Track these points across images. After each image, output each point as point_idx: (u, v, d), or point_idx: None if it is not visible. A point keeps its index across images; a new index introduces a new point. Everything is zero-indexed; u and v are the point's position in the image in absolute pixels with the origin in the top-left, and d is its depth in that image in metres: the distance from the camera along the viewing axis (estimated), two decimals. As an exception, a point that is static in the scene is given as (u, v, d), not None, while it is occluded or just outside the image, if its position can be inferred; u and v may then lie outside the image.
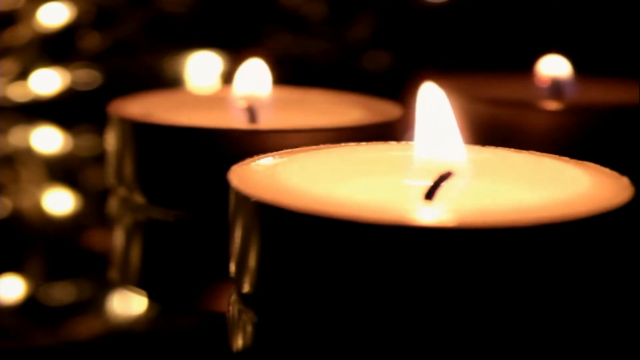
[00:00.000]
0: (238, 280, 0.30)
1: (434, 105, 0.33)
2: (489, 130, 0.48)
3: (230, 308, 0.31)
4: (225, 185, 0.30)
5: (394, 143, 0.35)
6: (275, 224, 0.28)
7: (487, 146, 0.34)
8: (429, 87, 0.34)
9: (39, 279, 0.38)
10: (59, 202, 0.49)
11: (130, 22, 0.73)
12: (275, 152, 0.33)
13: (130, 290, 0.37)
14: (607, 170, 0.32)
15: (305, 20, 0.77)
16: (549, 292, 0.27)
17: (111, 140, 0.43)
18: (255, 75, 0.46)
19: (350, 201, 0.28)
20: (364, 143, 0.35)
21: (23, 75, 0.70)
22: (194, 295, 0.36)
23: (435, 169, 0.32)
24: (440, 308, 0.26)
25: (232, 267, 0.30)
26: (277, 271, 0.28)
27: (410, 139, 0.34)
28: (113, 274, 0.39)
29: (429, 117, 0.33)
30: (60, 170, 0.56)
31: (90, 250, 0.42)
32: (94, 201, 0.49)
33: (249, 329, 0.30)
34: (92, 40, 0.72)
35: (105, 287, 0.37)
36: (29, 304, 0.35)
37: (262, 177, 0.30)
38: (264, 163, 0.32)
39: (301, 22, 0.77)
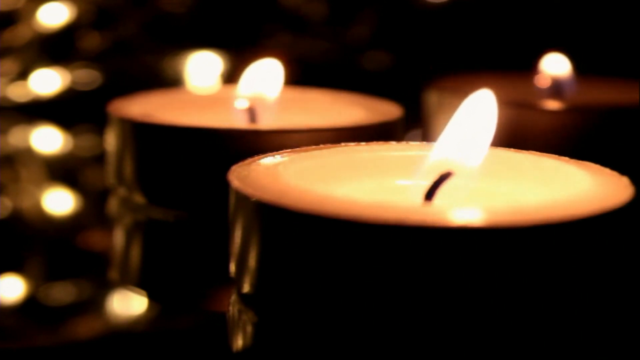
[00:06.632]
0: (238, 280, 0.30)
1: (479, 110, 0.33)
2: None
3: (230, 308, 0.31)
4: (225, 185, 0.30)
5: (394, 143, 0.35)
6: (275, 224, 0.28)
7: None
8: (481, 94, 0.33)
9: (39, 279, 0.38)
10: (59, 202, 0.49)
11: (130, 22, 0.73)
12: (275, 152, 0.33)
13: (130, 290, 0.37)
14: (607, 170, 0.32)
15: (305, 20, 0.77)
16: (548, 292, 0.27)
17: (111, 140, 0.43)
18: (266, 76, 0.46)
19: (350, 201, 0.28)
20: (364, 143, 0.35)
21: (23, 75, 0.70)
22: (194, 295, 0.36)
23: (435, 169, 0.32)
24: (440, 307, 0.26)
25: (232, 267, 0.30)
26: (277, 271, 0.28)
27: (415, 139, 0.34)
28: (113, 274, 0.39)
29: (467, 120, 0.33)
30: (60, 170, 0.56)
31: (90, 250, 0.42)
32: (94, 201, 0.49)
33: (249, 329, 0.30)
34: (92, 40, 0.72)
35: (105, 287, 0.37)
36: (29, 304, 0.35)
37: (262, 177, 0.30)
38: (264, 163, 0.32)
39: (301, 22, 0.77)
